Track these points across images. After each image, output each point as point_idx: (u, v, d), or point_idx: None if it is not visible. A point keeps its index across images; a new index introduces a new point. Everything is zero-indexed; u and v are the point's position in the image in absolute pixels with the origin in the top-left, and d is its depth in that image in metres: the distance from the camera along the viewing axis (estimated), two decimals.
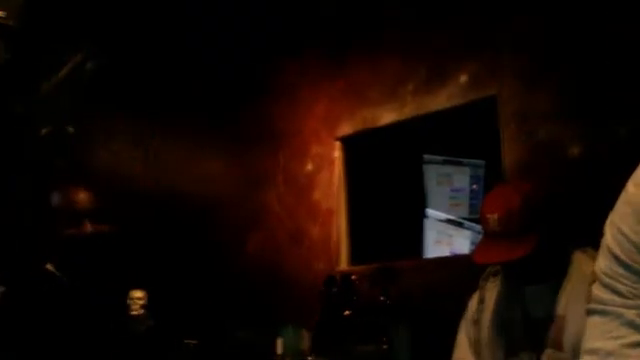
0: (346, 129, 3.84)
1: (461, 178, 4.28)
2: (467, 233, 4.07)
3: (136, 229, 3.97)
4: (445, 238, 4.17)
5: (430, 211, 4.22)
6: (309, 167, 3.96)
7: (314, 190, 3.90)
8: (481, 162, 4.11)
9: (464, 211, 4.18)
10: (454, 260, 3.41)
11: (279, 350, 3.33)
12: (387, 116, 3.68)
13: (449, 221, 4.20)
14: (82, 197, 1.99)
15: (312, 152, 3.95)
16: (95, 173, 4.34)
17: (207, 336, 3.78)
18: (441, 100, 3.46)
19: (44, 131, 5.01)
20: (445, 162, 4.29)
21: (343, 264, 3.69)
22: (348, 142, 3.87)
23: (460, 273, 2.75)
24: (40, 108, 5.36)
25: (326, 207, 3.81)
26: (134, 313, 3.67)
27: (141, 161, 4.35)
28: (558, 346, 1.85)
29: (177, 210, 4.27)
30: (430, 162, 4.27)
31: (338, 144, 3.88)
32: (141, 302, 3.76)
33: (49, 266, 2.04)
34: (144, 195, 4.20)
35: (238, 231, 4.14)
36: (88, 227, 1.95)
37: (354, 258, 3.73)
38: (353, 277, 3.33)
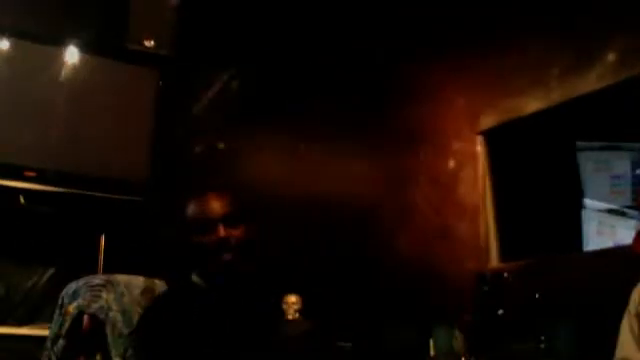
0: (488, 122, 3.71)
1: (621, 164, 4.03)
2: (632, 223, 3.82)
3: (284, 233, 4.11)
4: (607, 229, 3.94)
5: (588, 201, 4.00)
6: (451, 164, 3.87)
7: (458, 187, 3.81)
8: None
9: (627, 199, 3.93)
10: (615, 252, 3.18)
11: (432, 351, 3.29)
12: (532, 104, 3.50)
13: (610, 211, 3.96)
14: (215, 203, 2.07)
15: (454, 148, 3.86)
16: (241, 179, 4.56)
17: (361, 338, 3.82)
18: (590, 82, 3.24)
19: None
20: (602, 148, 4.06)
21: (494, 261, 3.57)
22: (491, 135, 3.74)
23: (623, 265, 2.59)
24: (195, 127, 5.73)
25: (472, 203, 3.71)
26: (289, 317, 3.80)
27: (286, 165, 4.50)
28: None
29: (323, 213, 4.37)
30: (585, 149, 4.06)
31: (480, 138, 3.76)
32: (296, 306, 3.89)
33: (194, 277, 2.15)
34: (290, 199, 4.34)
35: (385, 232, 4.14)
36: (221, 232, 2.03)
37: (506, 255, 3.60)
38: (505, 275, 3.22)
